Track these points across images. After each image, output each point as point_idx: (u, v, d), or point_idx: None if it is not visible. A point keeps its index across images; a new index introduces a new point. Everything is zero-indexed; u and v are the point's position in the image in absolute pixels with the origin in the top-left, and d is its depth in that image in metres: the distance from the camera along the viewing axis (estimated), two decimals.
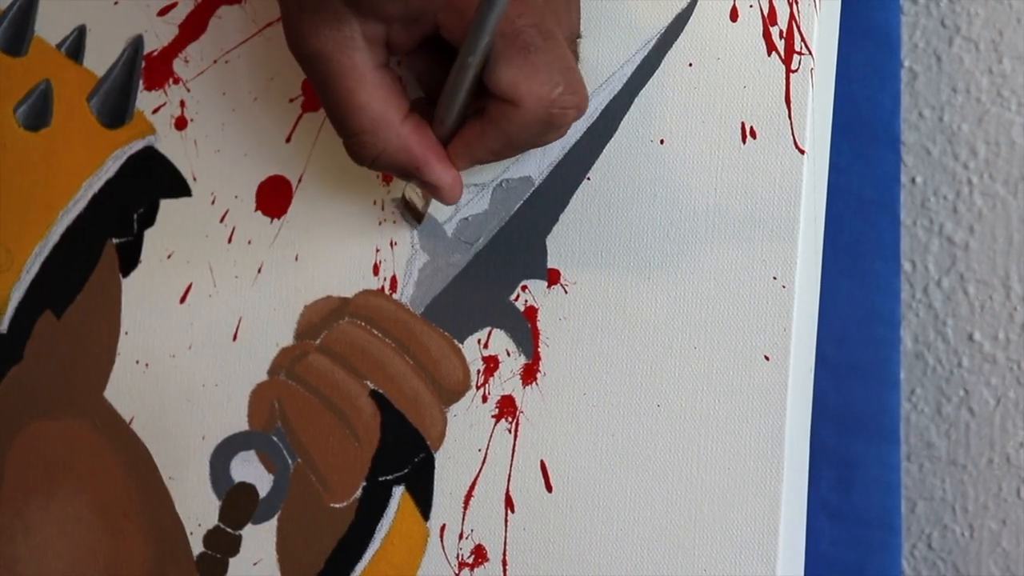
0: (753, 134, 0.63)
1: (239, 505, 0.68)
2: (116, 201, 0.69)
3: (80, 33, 0.71)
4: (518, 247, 0.66)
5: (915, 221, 0.77)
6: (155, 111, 0.70)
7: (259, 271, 0.68)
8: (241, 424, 0.68)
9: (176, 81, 0.70)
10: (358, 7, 0.57)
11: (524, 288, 0.66)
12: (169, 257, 0.69)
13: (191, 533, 0.68)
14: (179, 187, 0.69)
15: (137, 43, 0.70)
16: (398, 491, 0.66)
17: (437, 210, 0.66)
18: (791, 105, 0.63)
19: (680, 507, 0.63)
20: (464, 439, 0.66)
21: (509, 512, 0.65)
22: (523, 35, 0.57)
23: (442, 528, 0.66)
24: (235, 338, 0.68)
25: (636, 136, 0.64)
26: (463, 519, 0.66)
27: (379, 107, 0.59)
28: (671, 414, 0.64)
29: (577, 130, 0.65)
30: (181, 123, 0.69)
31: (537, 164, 0.65)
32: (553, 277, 0.65)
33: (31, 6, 0.71)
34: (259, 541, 0.68)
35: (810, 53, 0.63)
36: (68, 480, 0.69)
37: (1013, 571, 0.78)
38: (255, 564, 0.68)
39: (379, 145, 0.59)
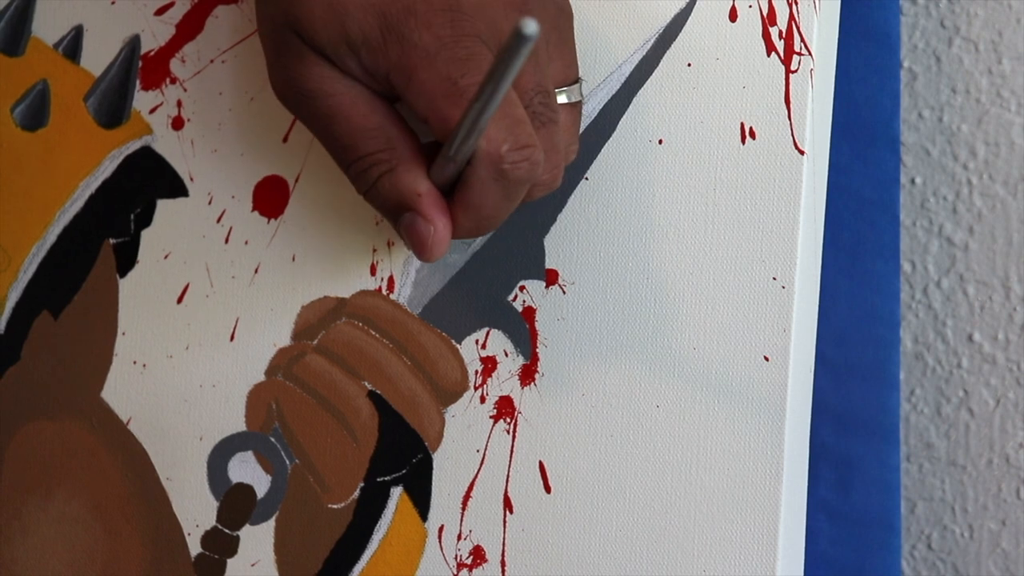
0: (752, 134, 0.63)
1: (237, 506, 0.68)
2: (113, 201, 0.69)
3: (77, 33, 0.70)
4: (516, 247, 0.66)
5: (915, 222, 0.77)
6: (152, 111, 0.69)
7: (256, 271, 0.68)
8: (239, 425, 0.68)
9: (173, 81, 0.69)
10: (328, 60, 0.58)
11: (522, 288, 0.65)
12: (166, 257, 0.69)
13: (189, 534, 0.68)
14: (176, 187, 0.69)
15: (134, 43, 0.70)
16: (396, 492, 0.66)
17: None
18: (791, 106, 0.63)
19: (680, 507, 0.63)
20: (462, 440, 0.66)
21: (507, 513, 0.65)
22: (466, 94, 0.56)
23: (440, 529, 0.66)
24: (232, 338, 0.68)
25: (634, 136, 0.64)
26: (461, 520, 0.66)
27: (393, 129, 0.58)
28: (671, 414, 0.64)
29: None
30: (178, 123, 0.69)
31: None
32: (551, 277, 0.65)
33: (28, 6, 0.71)
34: (257, 542, 0.67)
35: (809, 54, 0.63)
36: (65, 481, 0.69)
37: (1013, 572, 0.78)
38: (253, 565, 0.67)
39: (394, 160, 0.58)
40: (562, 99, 0.60)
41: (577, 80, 0.61)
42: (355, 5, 0.56)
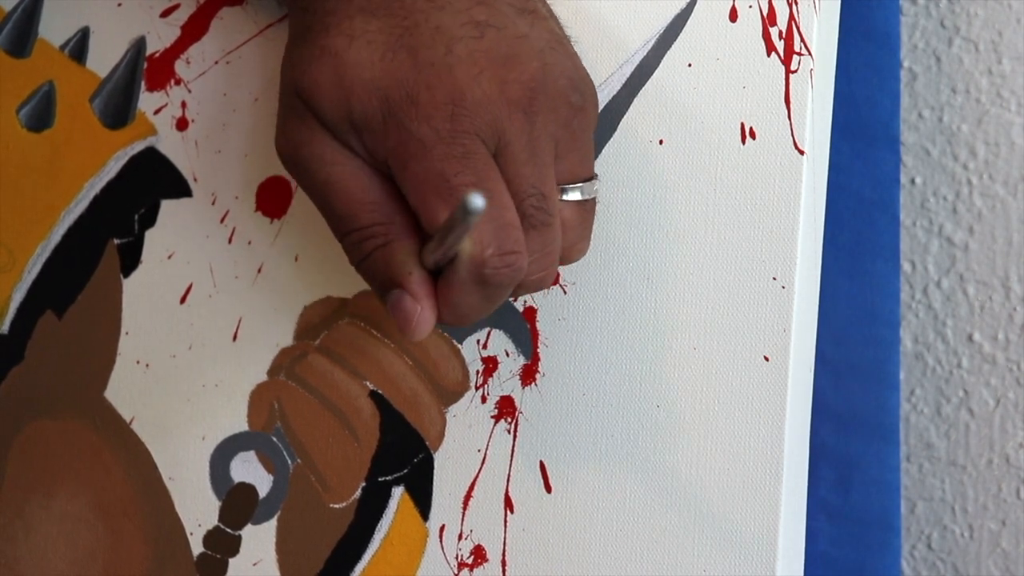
0: (752, 135, 0.63)
1: (239, 505, 0.68)
2: (117, 202, 0.70)
3: (83, 35, 0.71)
4: None
5: (915, 221, 0.77)
6: (157, 112, 0.70)
7: (259, 271, 0.68)
8: (241, 424, 0.68)
9: (178, 82, 0.70)
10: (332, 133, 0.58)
11: None
12: (170, 257, 0.69)
13: (191, 533, 0.68)
14: (180, 188, 0.69)
15: (139, 44, 0.70)
16: (397, 491, 0.66)
17: None
18: (791, 106, 0.63)
19: (680, 507, 0.63)
20: (463, 439, 0.66)
21: (508, 512, 0.65)
22: (457, 193, 0.55)
23: (441, 528, 0.66)
24: (235, 338, 0.68)
25: (635, 137, 0.64)
26: (462, 519, 0.66)
27: (392, 205, 0.57)
28: (671, 414, 0.64)
29: None
30: (182, 124, 0.69)
31: None
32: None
33: (35, 8, 0.71)
34: (259, 541, 0.68)
35: (809, 54, 0.63)
36: (68, 480, 0.69)
37: (1013, 571, 0.78)
38: (255, 564, 0.68)
39: (390, 235, 0.57)
40: (575, 195, 0.59)
41: (591, 177, 0.60)
42: (360, 85, 0.56)
